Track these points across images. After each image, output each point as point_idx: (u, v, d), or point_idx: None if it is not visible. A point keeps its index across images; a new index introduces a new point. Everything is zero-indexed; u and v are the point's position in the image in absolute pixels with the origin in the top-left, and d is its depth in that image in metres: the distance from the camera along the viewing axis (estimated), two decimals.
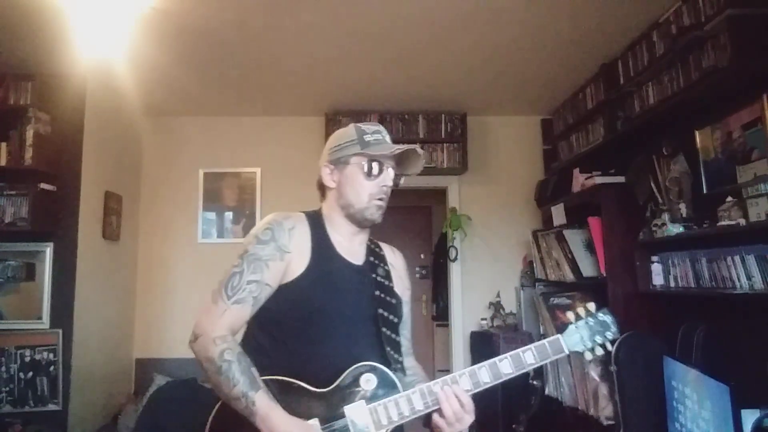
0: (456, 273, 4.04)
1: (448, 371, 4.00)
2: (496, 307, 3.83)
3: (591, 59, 3.06)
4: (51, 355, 2.97)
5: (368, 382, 1.20)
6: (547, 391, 3.17)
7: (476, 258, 4.07)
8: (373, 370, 1.21)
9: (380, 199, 1.31)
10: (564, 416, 3.07)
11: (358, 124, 1.36)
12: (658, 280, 2.52)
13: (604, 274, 2.75)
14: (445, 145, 3.91)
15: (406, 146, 1.32)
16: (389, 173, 1.31)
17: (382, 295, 1.33)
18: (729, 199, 2.09)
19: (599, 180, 2.93)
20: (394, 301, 1.35)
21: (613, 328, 1.31)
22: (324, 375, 1.20)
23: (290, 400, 1.16)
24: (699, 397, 1.95)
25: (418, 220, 5.72)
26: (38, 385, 2.95)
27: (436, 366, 5.19)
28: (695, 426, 1.97)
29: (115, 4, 2.38)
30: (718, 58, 2.06)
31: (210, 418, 1.21)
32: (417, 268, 5.63)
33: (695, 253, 2.26)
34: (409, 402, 1.19)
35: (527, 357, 1.25)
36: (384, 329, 1.29)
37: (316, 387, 1.19)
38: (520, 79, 3.45)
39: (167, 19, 2.52)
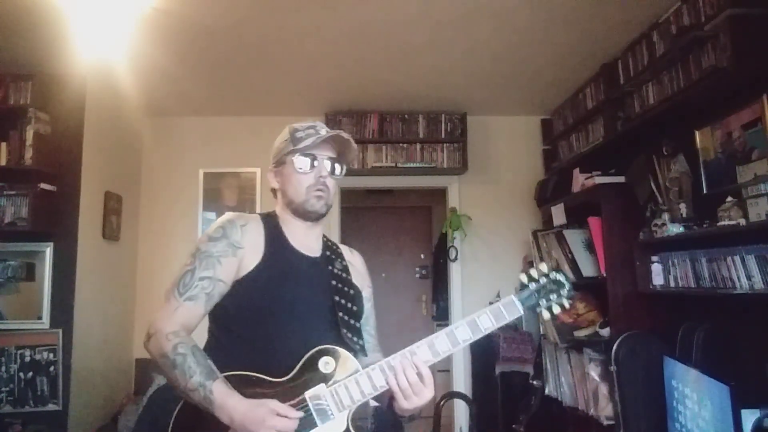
0: (456, 273, 4.05)
1: (448, 371, 4.03)
2: None
3: (591, 59, 3.06)
4: (51, 355, 2.97)
5: (327, 365, 1.21)
6: (547, 391, 3.17)
7: (476, 258, 4.07)
8: (330, 352, 1.22)
9: (319, 190, 1.34)
10: (564, 416, 3.07)
11: (293, 125, 1.41)
12: (658, 280, 2.52)
13: (604, 274, 2.75)
14: (445, 145, 3.91)
15: (329, 132, 1.36)
16: (323, 164, 1.35)
17: (339, 285, 1.36)
18: (729, 199, 2.09)
19: (599, 180, 2.93)
20: (352, 291, 1.38)
21: (567, 285, 1.32)
22: (283, 365, 1.21)
23: (251, 392, 1.15)
24: (699, 397, 1.95)
25: (418, 220, 5.72)
26: (38, 385, 2.95)
27: (436, 366, 5.17)
28: (695, 426, 1.97)
29: (115, 4, 2.38)
30: (718, 58, 2.06)
31: (171, 420, 1.21)
32: (417, 268, 5.63)
33: (695, 253, 2.26)
34: (369, 379, 1.19)
35: (483, 321, 1.27)
36: (340, 314, 1.31)
37: (276, 377, 1.20)
38: (520, 79, 3.45)
39: (167, 19, 2.52)
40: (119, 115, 3.66)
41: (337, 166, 1.38)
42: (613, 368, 2.45)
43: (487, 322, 1.27)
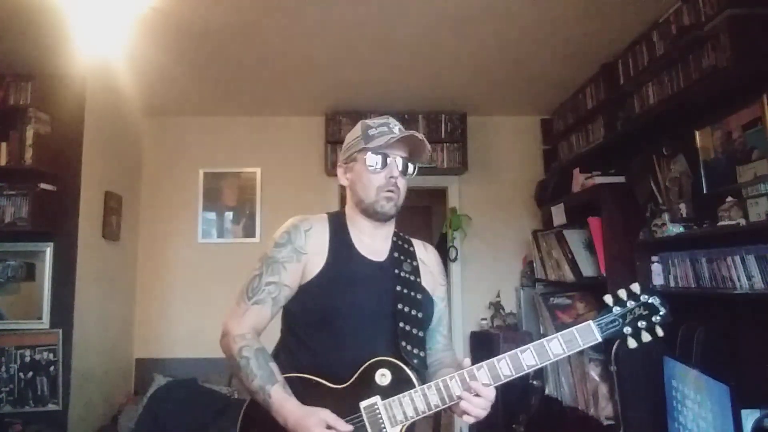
0: (456, 273, 4.04)
1: None
2: (496, 307, 3.83)
3: (591, 59, 3.06)
4: (51, 355, 2.97)
5: (383, 377, 1.20)
6: (547, 391, 3.17)
7: (476, 258, 4.07)
8: (388, 365, 1.21)
9: (389, 191, 1.31)
10: (564, 416, 3.07)
11: (366, 120, 1.38)
12: (658, 280, 2.52)
13: (604, 274, 2.75)
14: (445, 145, 3.91)
15: (403, 133, 1.32)
16: (395, 163, 1.31)
17: (405, 291, 1.32)
18: (729, 199, 2.09)
19: (599, 180, 2.93)
20: (419, 296, 1.34)
21: (662, 311, 1.18)
22: (342, 372, 1.22)
23: (311, 397, 1.18)
24: (699, 397, 1.95)
25: (418, 220, 5.73)
26: (38, 385, 2.95)
27: None
28: (695, 426, 1.97)
29: (115, 4, 2.38)
30: (718, 58, 2.06)
31: (242, 410, 1.27)
32: None
33: (695, 253, 2.26)
34: (425, 398, 1.17)
35: (553, 347, 1.17)
36: (401, 324, 1.28)
37: (335, 384, 1.21)
38: (520, 79, 3.45)
39: (167, 19, 2.52)
40: (119, 115, 3.66)
41: (410, 166, 1.35)
42: (613, 368, 2.45)
43: (558, 349, 1.17)
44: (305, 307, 1.28)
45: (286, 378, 1.20)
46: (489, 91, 3.68)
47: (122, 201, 3.67)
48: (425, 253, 1.46)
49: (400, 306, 1.29)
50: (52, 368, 2.97)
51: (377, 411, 1.17)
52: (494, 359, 1.18)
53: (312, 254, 1.29)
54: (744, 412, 1.74)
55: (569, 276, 3.10)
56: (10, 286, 3.05)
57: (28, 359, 2.96)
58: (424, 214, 5.71)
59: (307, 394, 1.19)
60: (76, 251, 3.08)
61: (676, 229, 2.35)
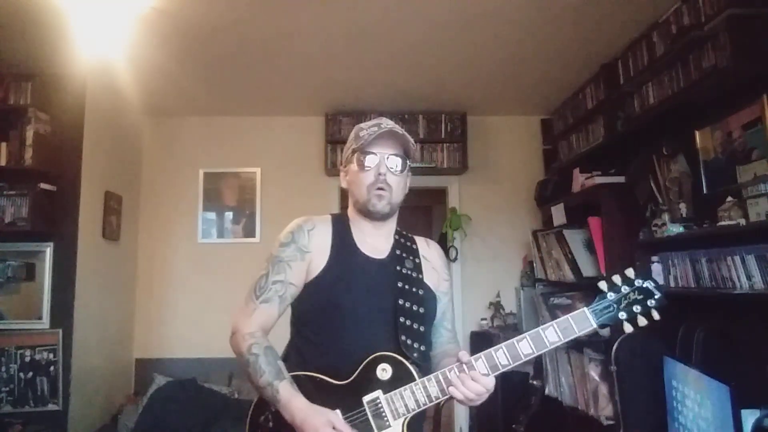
0: (456, 273, 4.04)
1: None
2: (496, 307, 3.83)
3: (591, 59, 3.06)
4: (51, 355, 2.97)
5: (384, 371, 1.22)
6: (547, 391, 3.17)
7: (476, 258, 4.07)
8: (389, 359, 1.23)
9: (380, 188, 1.32)
10: (564, 416, 3.06)
11: (360, 124, 1.40)
12: (658, 280, 2.52)
13: (604, 274, 2.75)
14: (445, 145, 3.91)
15: (381, 129, 1.32)
16: (383, 161, 1.33)
17: (406, 287, 1.34)
18: (729, 199, 2.09)
19: (599, 180, 2.93)
20: (420, 292, 1.35)
21: (657, 294, 1.17)
22: (345, 368, 1.24)
23: (317, 393, 1.21)
24: (699, 397, 1.95)
25: (418, 220, 5.73)
26: (38, 385, 2.95)
27: None
28: (695, 426, 1.97)
29: (115, 4, 2.38)
30: (718, 58, 2.06)
31: (252, 407, 1.30)
32: None
33: (695, 253, 2.26)
34: (425, 390, 1.20)
35: (548, 335, 1.19)
36: (401, 318, 1.29)
37: (338, 380, 1.24)
38: (520, 79, 3.45)
39: (167, 19, 2.52)
40: (119, 115, 3.66)
41: (399, 163, 1.34)
42: (613, 368, 2.45)
43: (553, 336, 1.18)
44: (309, 304, 1.31)
45: (293, 376, 1.23)
46: (489, 91, 3.68)
47: (122, 201, 3.67)
48: (428, 250, 1.48)
49: (400, 302, 1.31)
50: (52, 368, 2.97)
51: (380, 405, 1.20)
52: (491, 349, 1.22)
53: (315, 252, 1.32)
54: (744, 412, 1.74)
55: (569, 276, 3.10)
56: (10, 286, 3.05)
57: (28, 359, 2.96)
58: (424, 214, 5.71)
59: (313, 391, 1.21)
60: (76, 251, 3.08)
61: (676, 229, 2.35)
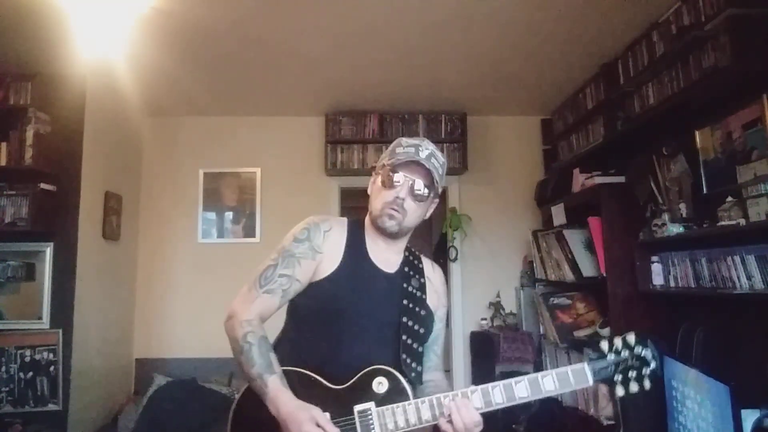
0: (456, 273, 4.04)
1: (448, 371, 4.02)
2: (496, 307, 3.83)
3: (591, 59, 3.06)
4: (51, 355, 2.97)
5: (380, 385, 1.23)
6: None
7: (476, 258, 4.07)
8: (386, 374, 1.24)
9: (393, 209, 1.32)
10: (564, 416, 3.07)
11: (404, 138, 1.39)
12: (658, 280, 2.52)
13: (604, 274, 2.75)
14: (445, 145, 3.91)
15: (409, 156, 1.30)
16: (405, 184, 1.31)
17: (410, 305, 1.35)
18: (729, 199, 2.09)
19: (599, 180, 2.93)
20: (423, 312, 1.36)
21: (653, 365, 1.21)
22: (341, 373, 1.24)
23: (307, 392, 1.21)
24: (699, 397, 1.95)
25: None
26: (38, 385, 2.95)
27: None
28: (695, 426, 1.97)
29: (115, 4, 2.38)
30: (718, 58, 2.06)
31: (234, 403, 1.30)
32: None
33: (695, 253, 2.26)
34: (417, 410, 1.19)
35: (546, 383, 1.20)
36: (404, 337, 1.31)
37: (332, 384, 1.24)
38: (520, 79, 3.45)
39: (167, 19, 2.52)
40: (119, 115, 3.66)
41: (423, 191, 1.32)
42: None
43: (550, 385, 1.19)
44: (313, 304, 1.31)
45: (284, 371, 1.22)
46: (489, 91, 3.68)
47: (122, 201, 3.67)
48: (432, 272, 1.48)
49: (404, 319, 1.32)
50: (52, 368, 2.97)
51: (370, 417, 1.19)
52: (489, 385, 1.20)
53: (327, 254, 1.32)
54: (744, 412, 1.74)
55: (569, 276, 3.10)
56: (10, 286, 3.05)
57: (28, 359, 2.96)
58: None
59: (302, 389, 1.21)
60: (76, 251, 3.08)
61: (676, 229, 2.35)
